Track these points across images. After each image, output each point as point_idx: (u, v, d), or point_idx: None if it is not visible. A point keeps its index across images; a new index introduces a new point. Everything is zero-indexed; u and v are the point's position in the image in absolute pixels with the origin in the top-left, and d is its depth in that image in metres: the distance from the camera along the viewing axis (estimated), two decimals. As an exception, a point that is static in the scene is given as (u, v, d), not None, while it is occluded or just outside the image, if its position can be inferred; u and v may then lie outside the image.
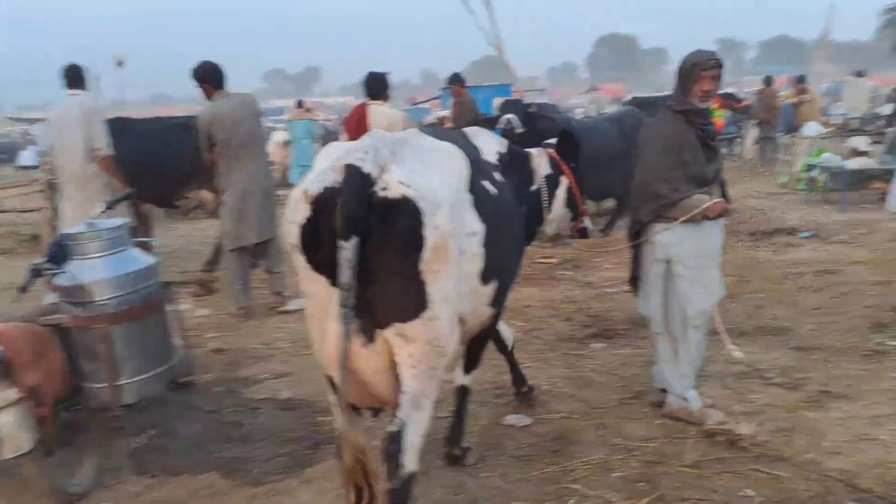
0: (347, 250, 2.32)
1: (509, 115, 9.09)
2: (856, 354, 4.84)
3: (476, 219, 2.77)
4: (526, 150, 4.12)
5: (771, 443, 3.70)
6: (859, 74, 16.09)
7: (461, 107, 9.55)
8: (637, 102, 16.30)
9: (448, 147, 2.87)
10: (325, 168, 2.52)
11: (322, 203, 2.43)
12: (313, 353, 2.75)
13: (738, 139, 17.55)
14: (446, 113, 11.92)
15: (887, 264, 7.16)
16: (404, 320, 2.48)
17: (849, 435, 3.74)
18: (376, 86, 6.65)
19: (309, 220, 2.46)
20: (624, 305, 6.24)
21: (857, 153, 10.33)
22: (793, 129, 13.48)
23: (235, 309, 6.48)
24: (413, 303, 2.49)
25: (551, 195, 4.07)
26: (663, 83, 78.21)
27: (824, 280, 6.78)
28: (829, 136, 12.53)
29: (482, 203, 2.84)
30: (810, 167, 11.20)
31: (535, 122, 8.88)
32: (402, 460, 2.51)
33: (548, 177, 4.06)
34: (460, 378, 3.60)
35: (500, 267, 3.00)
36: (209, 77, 6.24)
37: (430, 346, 2.53)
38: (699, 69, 3.71)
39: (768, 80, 14.91)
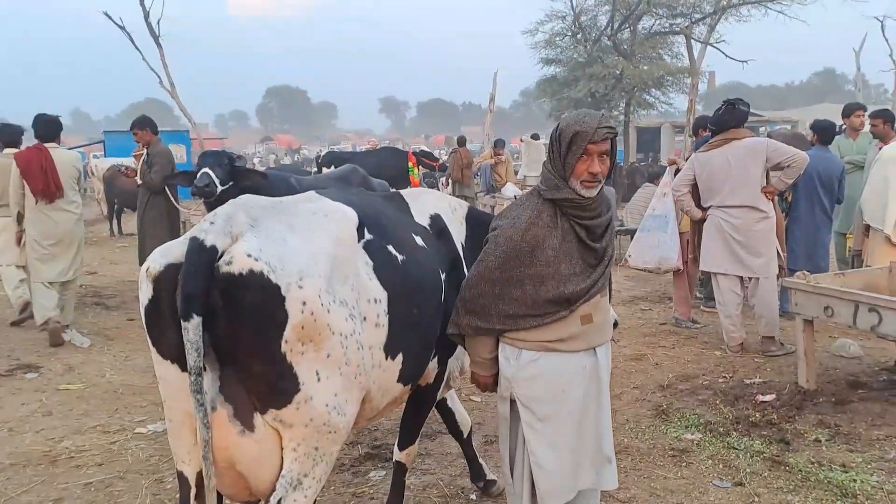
0: (190, 331, 2.13)
1: (207, 170, 7.50)
2: (662, 456, 4.30)
3: (377, 286, 2.62)
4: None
5: None
6: (535, 137, 17.27)
7: (153, 157, 7.75)
8: (333, 157, 15.60)
9: (331, 208, 2.63)
10: (172, 242, 2.36)
11: (164, 281, 2.24)
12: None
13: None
14: (129, 163, 9.89)
15: (625, 333, 7.07)
16: (277, 406, 2.30)
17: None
18: (50, 129, 6.89)
19: (152, 300, 2.27)
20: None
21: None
22: (492, 189, 13.79)
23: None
24: (282, 387, 2.29)
25: None
26: (334, 137, 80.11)
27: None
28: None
29: (385, 269, 2.68)
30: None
31: (244, 178, 7.38)
32: None
33: None
34: (396, 453, 3.44)
35: (411, 339, 2.79)
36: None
37: (310, 427, 2.36)
38: (585, 141, 2.56)
39: (461, 141, 15.21)
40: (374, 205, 2.95)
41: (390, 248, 2.77)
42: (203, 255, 2.17)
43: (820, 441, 4.40)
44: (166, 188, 7.71)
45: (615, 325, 3.06)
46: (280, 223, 2.39)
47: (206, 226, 2.26)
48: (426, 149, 22.04)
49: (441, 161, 17.89)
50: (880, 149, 7.50)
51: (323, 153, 16.98)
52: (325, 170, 14.23)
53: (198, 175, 7.00)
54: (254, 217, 2.34)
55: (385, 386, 2.72)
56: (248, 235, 2.25)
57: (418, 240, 2.99)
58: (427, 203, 3.27)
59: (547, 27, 26.05)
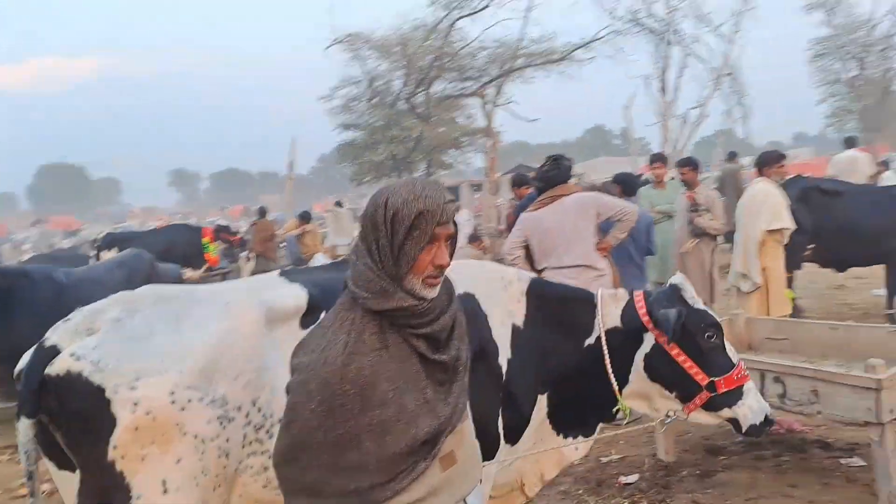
0: (20, 433, 2.15)
1: None
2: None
3: None
4: (583, 289, 3.03)
5: None
6: (339, 205, 16.64)
7: None
8: (114, 240, 13.87)
9: (238, 298, 2.40)
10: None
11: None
12: None
13: (231, 273, 16.41)
14: None
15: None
16: None
17: None
18: None
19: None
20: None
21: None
22: (299, 261, 12.81)
23: None
24: (111, 499, 2.11)
25: (623, 358, 2.80)
26: (118, 214, 74.30)
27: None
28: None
29: None
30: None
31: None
32: None
33: (613, 331, 2.82)
34: None
35: None
36: None
37: None
38: (432, 223, 1.79)
39: (262, 212, 14.15)
40: None
41: None
42: (38, 356, 2.17)
43: (700, 528, 3.93)
44: None
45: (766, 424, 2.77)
46: (165, 314, 2.30)
47: (60, 322, 2.27)
48: (223, 222, 20.54)
49: (240, 235, 16.70)
50: (687, 197, 7.63)
51: (102, 235, 15.07)
52: (105, 254, 12.59)
53: None
54: (132, 309, 2.29)
55: None
56: (99, 332, 2.21)
57: None
58: (461, 281, 2.60)
59: (342, 92, 25.87)
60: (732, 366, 2.76)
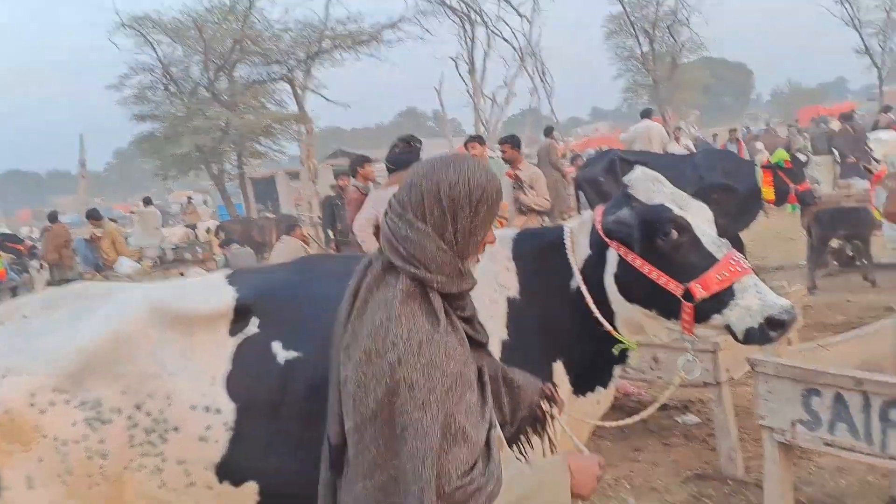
0: None
1: None
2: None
3: (222, 393, 2.21)
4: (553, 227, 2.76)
5: None
6: (147, 202, 15.42)
7: None
8: None
9: (129, 300, 2.36)
10: None
11: None
12: None
13: (22, 286, 14.76)
14: None
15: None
16: None
17: None
18: None
19: None
20: None
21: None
22: (99, 267, 11.62)
23: None
24: None
25: (602, 286, 2.41)
26: None
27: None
28: (146, 273, 11.10)
29: (250, 374, 2.22)
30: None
31: None
32: None
33: (588, 262, 2.44)
34: None
35: (287, 464, 2.17)
36: None
37: None
38: (499, 200, 1.81)
39: (53, 217, 12.71)
40: (310, 282, 2.37)
41: (278, 344, 2.25)
42: None
43: None
44: None
45: None
46: (72, 313, 2.34)
47: None
48: (7, 230, 18.39)
49: (29, 242, 15.02)
50: (507, 174, 7.68)
51: None
52: None
53: None
54: (48, 307, 2.38)
55: None
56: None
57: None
58: None
59: (134, 81, 23.93)
60: (712, 262, 2.25)
